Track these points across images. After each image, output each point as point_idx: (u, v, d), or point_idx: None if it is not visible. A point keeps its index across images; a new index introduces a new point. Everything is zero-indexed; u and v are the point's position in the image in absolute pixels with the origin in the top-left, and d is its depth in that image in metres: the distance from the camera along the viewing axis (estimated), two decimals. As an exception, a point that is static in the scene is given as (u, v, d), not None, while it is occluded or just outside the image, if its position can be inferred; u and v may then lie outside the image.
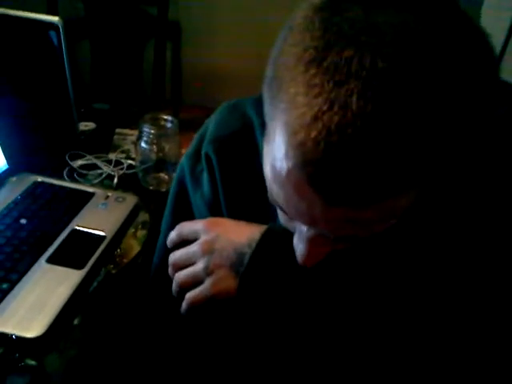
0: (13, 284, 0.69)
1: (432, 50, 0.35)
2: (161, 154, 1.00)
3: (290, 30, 0.40)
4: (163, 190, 1.01)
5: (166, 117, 1.00)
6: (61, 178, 0.98)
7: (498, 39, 1.70)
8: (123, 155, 1.10)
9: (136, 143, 0.99)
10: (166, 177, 1.02)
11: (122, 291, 0.82)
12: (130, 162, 1.06)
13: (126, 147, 1.13)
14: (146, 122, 0.97)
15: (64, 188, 0.92)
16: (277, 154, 0.38)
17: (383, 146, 0.34)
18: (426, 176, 0.37)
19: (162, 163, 1.00)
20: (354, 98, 0.33)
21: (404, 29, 0.35)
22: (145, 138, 0.97)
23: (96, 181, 1.01)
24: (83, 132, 1.15)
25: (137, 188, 1.00)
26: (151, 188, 1.01)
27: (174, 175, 1.01)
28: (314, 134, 0.34)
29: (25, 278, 0.71)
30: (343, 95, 0.33)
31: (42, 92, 1.00)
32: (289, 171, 0.37)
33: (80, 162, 1.05)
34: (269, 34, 2.07)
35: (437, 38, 0.35)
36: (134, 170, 1.04)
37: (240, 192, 0.62)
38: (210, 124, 0.65)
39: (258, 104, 0.58)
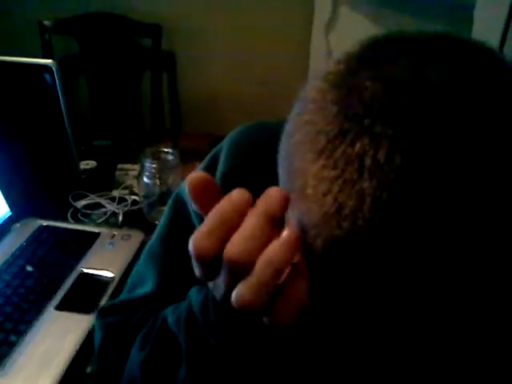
0: (21, 335, 0.67)
1: (462, 147, 0.28)
2: (164, 187, 0.98)
3: (303, 102, 0.35)
4: (169, 223, 0.99)
5: (166, 149, 0.99)
6: (65, 219, 0.97)
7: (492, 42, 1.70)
8: (126, 191, 1.08)
9: (138, 178, 0.98)
10: (171, 210, 1.01)
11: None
12: (133, 197, 1.05)
13: (128, 182, 1.12)
14: (147, 157, 0.96)
15: (69, 230, 0.90)
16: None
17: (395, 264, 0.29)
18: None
19: (166, 196, 0.99)
20: (367, 202, 0.28)
21: (428, 116, 0.28)
22: (147, 173, 0.96)
23: (101, 220, 1.00)
24: (85, 171, 1.14)
25: (142, 224, 0.99)
26: (156, 222, 1.00)
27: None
28: (320, 238, 0.31)
29: (33, 329, 0.69)
30: (354, 198, 0.28)
31: (41, 135, 0.99)
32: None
33: (83, 202, 1.04)
34: (264, 59, 2.10)
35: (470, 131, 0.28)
36: (138, 206, 1.03)
37: None
38: (223, 154, 0.60)
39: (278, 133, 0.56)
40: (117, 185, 1.11)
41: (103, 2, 1.92)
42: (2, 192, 0.88)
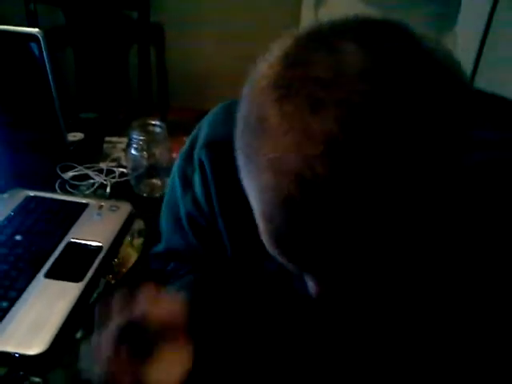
0: (12, 302, 0.69)
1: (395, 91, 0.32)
2: (152, 160, 0.99)
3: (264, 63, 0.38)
4: (157, 195, 1.00)
5: (154, 122, 0.99)
6: (53, 190, 0.97)
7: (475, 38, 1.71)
8: (114, 163, 1.09)
9: (126, 151, 0.99)
10: (159, 182, 1.01)
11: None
12: (121, 170, 1.05)
13: (116, 155, 1.12)
14: (135, 129, 0.96)
15: (57, 201, 0.91)
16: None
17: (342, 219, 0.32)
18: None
19: (154, 169, 1.00)
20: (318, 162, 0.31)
21: (367, 71, 0.32)
22: (134, 146, 0.96)
23: (88, 191, 1.00)
24: (72, 143, 1.14)
25: (130, 196, 1.00)
26: (145, 195, 1.01)
27: (167, 180, 1.01)
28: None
29: (24, 295, 0.70)
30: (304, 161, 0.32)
31: (28, 106, 0.99)
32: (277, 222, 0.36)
33: (71, 174, 1.04)
34: (254, 33, 2.10)
35: (399, 79, 0.32)
36: (126, 178, 1.03)
37: (234, 199, 0.58)
38: (204, 126, 0.63)
39: None
40: (104, 157, 1.11)
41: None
42: (-11, 162, 0.88)
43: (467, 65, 1.76)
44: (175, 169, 0.67)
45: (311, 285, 0.43)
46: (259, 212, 0.37)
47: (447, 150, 0.34)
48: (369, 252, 0.34)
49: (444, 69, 0.35)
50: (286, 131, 0.32)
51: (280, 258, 0.39)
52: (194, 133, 0.65)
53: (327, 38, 0.35)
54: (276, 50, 0.37)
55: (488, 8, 1.67)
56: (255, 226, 0.55)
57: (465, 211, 0.45)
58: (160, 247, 0.74)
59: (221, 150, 0.59)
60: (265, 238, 0.39)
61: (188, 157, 0.64)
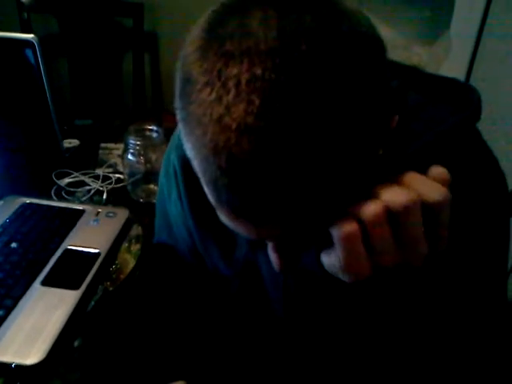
0: (8, 310, 0.67)
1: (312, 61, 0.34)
2: (149, 165, 0.98)
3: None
4: (154, 201, 0.99)
5: (150, 127, 0.98)
6: (49, 197, 0.96)
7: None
8: (110, 170, 1.08)
9: (122, 156, 0.98)
10: (156, 188, 1.00)
11: (122, 308, 0.81)
12: (117, 175, 1.05)
13: (112, 161, 1.11)
14: (131, 134, 0.96)
15: (53, 207, 0.90)
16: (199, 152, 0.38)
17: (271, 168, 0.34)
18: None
19: (151, 174, 0.99)
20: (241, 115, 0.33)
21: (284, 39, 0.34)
22: (131, 151, 0.95)
23: (85, 198, 1.00)
24: (68, 149, 1.13)
25: (127, 201, 0.99)
26: (141, 200, 1.00)
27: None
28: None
29: (20, 303, 0.69)
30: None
31: (23, 112, 0.98)
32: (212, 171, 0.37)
33: (67, 180, 1.03)
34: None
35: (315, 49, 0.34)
36: (122, 184, 1.02)
37: (202, 200, 0.61)
38: (177, 130, 0.67)
39: None
40: (100, 164, 1.11)
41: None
42: (-16, 169, 0.87)
43: (461, 67, 1.76)
44: (161, 170, 0.72)
45: (273, 256, 0.44)
46: (202, 173, 0.38)
47: (353, 108, 0.35)
48: (297, 190, 0.35)
49: (354, 34, 0.35)
50: (206, 86, 0.35)
51: (227, 220, 0.41)
52: (174, 132, 0.69)
53: (237, 2, 0.37)
54: (199, 21, 0.40)
55: (481, 12, 1.68)
56: (220, 225, 0.55)
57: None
58: (155, 240, 0.78)
59: None
60: (208, 195, 0.40)
61: (168, 159, 0.69)
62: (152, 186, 1.01)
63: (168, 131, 1.08)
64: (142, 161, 0.96)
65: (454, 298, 0.53)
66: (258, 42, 0.33)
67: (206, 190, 0.40)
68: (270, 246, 0.44)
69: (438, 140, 0.49)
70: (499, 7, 1.67)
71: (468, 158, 0.52)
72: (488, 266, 0.55)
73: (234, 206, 0.38)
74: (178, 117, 0.39)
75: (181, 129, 0.39)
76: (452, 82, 0.54)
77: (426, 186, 0.37)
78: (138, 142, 0.94)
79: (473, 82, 1.78)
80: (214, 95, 0.34)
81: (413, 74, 0.55)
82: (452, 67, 1.69)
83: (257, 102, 0.33)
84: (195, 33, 0.39)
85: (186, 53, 0.39)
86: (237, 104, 0.33)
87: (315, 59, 0.33)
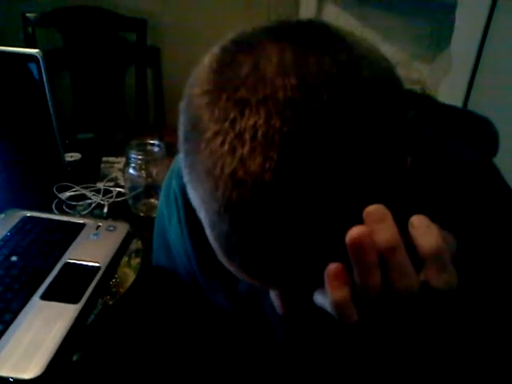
0: (7, 325, 0.67)
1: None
2: (150, 180, 0.99)
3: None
4: (154, 215, 0.99)
5: (152, 141, 0.99)
6: (50, 211, 0.96)
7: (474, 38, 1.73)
8: (111, 183, 1.08)
9: (123, 170, 0.98)
10: (157, 202, 1.01)
11: (121, 322, 0.80)
12: (118, 189, 1.05)
13: (113, 175, 1.12)
14: (133, 148, 0.96)
15: (53, 221, 0.90)
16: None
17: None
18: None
19: (152, 188, 0.99)
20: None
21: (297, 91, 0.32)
22: (133, 165, 0.96)
23: (86, 211, 1.00)
24: (69, 163, 1.14)
25: (128, 216, 0.99)
26: (142, 214, 1.00)
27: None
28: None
29: (19, 318, 0.69)
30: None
31: (26, 126, 0.99)
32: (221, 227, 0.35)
33: (68, 194, 1.03)
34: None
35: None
36: (123, 198, 1.03)
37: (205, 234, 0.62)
38: (177, 158, 0.64)
39: None
40: (102, 177, 1.11)
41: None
42: (-14, 182, 0.88)
43: (461, 84, 1.78)
44: (161, 196, 0.70)
45: (277, 302, 0.42)
46: (210, 226, 0.37)
47: (373, 140, 0.33)
48: (313, 248, 0.34)
49: (367, 62, 0.34)
50: (217, 136, 0.33)
51: (232, 269, 0.39)
52: (176, 157, 0.66)
53: (248, 40, 0.35)
54: (205, 60, 0.38)
55: (481, 29, 1.69)
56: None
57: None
58: (153, 261, 0.76)
59: None
60: (215, 249, 0.38)
61: (168, 186, 0.67)
62: (153, 201, 1.01)
63: (169, 146, 1.09)
64: (144, 175, 0.96)
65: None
66: (276, 90, 0.31)
67: (213, 243, 0.38)
68: (273, 294, 0.42)
69: (456, 176, 0.47)
70: (500, 24, 1.68)
71: (487, 195, 0.50)
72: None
73: (246, 265, 0.36)
74: (183, 163, 0.37)
75: (185, 175, 0.37)
76: (468, 114, 0.53)
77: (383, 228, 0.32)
78: (140, 157, 0.95)
79: (473, 98, 1.79)
80: (226, 146, 0.32)
81: (427, 104, 0.53)
82: (452, 84, 1.71)
83: (274, 156, 0.31)
84: (203, 72, 0.36)
85: (192, 93, 0.36)
86: (252, 158, 0.31)
87: (337, 110, 0.31)
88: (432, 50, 1.63)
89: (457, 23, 1.59)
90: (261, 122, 0.31)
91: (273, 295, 0.42)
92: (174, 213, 0.66)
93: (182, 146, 0.37)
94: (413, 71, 1.62)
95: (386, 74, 0.35)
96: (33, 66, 0.89)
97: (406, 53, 1.59)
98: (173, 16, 1.98)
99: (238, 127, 0.32)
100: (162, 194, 0.71)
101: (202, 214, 0.37)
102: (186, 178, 0.38)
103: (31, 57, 0.89)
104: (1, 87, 0.95)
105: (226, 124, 0.32)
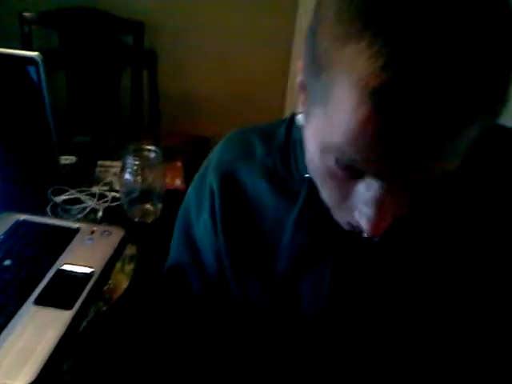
0: (0, 329, 0.66)
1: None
2: (145, 185, 0.98)
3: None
4: (149, 221, 0.99)
5: (149, 147, 0.99)
6: (44, 214, 0.96)
7: None
8: (106, 188, 1.08)
9: (119, 175, 0.98)
10: (152, 208, 1.01)
11: (114, 329, 0.80)
12: (113, 194, 1.05)
13: (108, 179, 1.11)
14: (130, 154, 0.96)
15: (48, 225, 0.89)
16: (345, 107, 0.39)
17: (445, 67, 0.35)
18: (498, 101, 0.39)
19: (147, 194, 0.99)
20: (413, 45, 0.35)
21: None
22: (129, 170, 0.95)
23: (80, 215, 0.99)
24: (64, 166, 1.13)
25: (122, 221, 0.99)
26: (137, 220, 1.00)
27: (160, 205, 1.01)
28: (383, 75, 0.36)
29: (12, 322, 0.68)
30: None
31: (22, 128, 0.98)
32: (370, 121, 0.38)
33: (63, 197, 1.03)
34: (245, 60, 2.12)
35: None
36: (118, 203, 1.02)
37: (238, 218, 0.64)
38: (216, 150, 0.68)
39: (263, 134, 0.65)
40: (97, 181, 1.11)
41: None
42: (-20, 184, 0.87)
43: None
44: (190, 190, 0.71)
45: (368, 215, 0.44)
46: (348, 128, 0.39)
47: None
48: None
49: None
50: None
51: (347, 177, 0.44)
52: (209, 156, 0.70)
53: None
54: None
55: None
56: (258, 240, 0.60)
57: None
58: (168, 263, 0.76)
59: (229, 172, 0.65)
60: (355, 144, 0.40)
61: (202, 179, 0.68)
62: (148, 206, 1.01)
63: (165, 149, 1.09)
64: (139, 180, 0.96)
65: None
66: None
67: (343, 142, 0.41)
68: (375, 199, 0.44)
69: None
70: None
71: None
72: None
73: (382, 152, 0.39)
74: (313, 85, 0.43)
75: (318, 97, 0.42)
76: None
77: None
78: (136, 162, 0.95)
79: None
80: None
81: None
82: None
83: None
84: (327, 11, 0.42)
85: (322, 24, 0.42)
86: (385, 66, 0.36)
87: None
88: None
89: None
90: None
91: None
92: (205, 207, 0.66)
93: (308, 68, 0.44)
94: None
95: None
96: (32, 69, 0.89)
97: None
98: (170, 19, 1.98)
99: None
100: (192, 186, 0.71)
101: (341, 124, 0.40)
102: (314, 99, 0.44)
103: (31, 59, 0.88)
104: (-1, 89, 0.95)
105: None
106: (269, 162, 0.63)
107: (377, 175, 0.42)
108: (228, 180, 0.64)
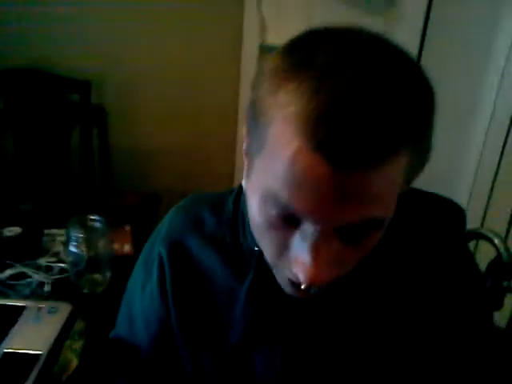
0: None
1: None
2: (92, 254, 0.98)
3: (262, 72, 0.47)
4: (99, 291, 0.98)
5: (93, 217, 0.99)
6: (-13, 293, 0.94)
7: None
8: (54, 259, 1.07)
9: (64, 247, 0.97)
10: (101, 277, 1.00)
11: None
12: (61, 265, 1.03)
13: (56, 249, 1.10)
14: (74, 226, 0.96)
15: (-9, 306, 0.87)
16: (280, 141, 0.43)
17: (378, 106, 0.41)
18: (416, 134, 0.43)
19: (95, 263, 0.98)
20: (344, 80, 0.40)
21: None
22: (74, 243, 0.95)
23: (27, 290, 0.97)
24: (8, 238, 1.11)
25: (71, 293, 0.97)
26: (85, 291, 0.99)
27: (109, 274, 1.00)
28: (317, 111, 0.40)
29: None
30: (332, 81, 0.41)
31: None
32: (300, 151, 0.41)
33: (8, 272, 1.01)
34: (194, 110, 2.12)
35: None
36: (66, 275, 1.01)
37: (189, 290, 0.64)
38: (166, 220, 0.69)
39: (212, 206, 0.67)
40: (44, 252, 1.09)
41: (28, 58, 1.90)
42: None
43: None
44: (139, 262, 0.71)
45: (306, 262, 0.45)
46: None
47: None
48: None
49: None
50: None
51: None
52: (157, 227, 0.70)
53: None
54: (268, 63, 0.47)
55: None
56: (210, 312, 0.61)
57: None
58: (112, 333, 0.75)
59: (178, 241, 0.65)
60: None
61: (151, 249, 0.68)
62: (97, 276, 1.00)
63: (115, 210, 1.09)
64: (85, 252, 0.96)
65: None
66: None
67: (279, 184, 0.43)
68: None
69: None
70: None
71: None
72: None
73: (311, 187, 0.42)
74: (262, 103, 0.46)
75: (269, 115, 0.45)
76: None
77: None
78: (81, 235, 0.94)
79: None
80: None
81: None
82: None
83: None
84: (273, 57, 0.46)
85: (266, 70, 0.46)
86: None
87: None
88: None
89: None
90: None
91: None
92: (153, 277, 0.66)
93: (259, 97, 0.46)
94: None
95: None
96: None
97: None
98: (117, 74, 1.99)
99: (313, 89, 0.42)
100: (139, 260, 0.71)
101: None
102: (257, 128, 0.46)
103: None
104: None
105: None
106: (218, 234, 0.64)
107: (308, 215, 0.44)
108: (177, 249, 0.65)
